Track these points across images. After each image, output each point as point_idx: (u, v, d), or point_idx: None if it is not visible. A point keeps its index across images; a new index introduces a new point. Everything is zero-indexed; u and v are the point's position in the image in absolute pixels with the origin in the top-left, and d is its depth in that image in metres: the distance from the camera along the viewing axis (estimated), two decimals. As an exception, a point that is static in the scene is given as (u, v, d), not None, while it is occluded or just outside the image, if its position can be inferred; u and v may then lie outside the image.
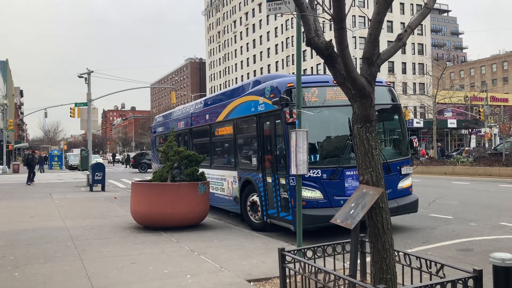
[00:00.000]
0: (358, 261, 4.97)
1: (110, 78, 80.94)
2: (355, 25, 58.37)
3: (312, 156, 8.27)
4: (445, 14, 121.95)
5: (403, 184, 9.00)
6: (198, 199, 9.22)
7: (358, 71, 4.29)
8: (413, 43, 69.21)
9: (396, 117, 9.52)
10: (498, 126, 34.89)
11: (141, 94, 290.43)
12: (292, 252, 4.55)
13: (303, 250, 4.77)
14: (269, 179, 9.01)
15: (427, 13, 4.64)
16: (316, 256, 4.67)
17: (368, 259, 4.60)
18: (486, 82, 74.00)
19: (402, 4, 69.29)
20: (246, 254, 6.86)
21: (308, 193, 8.11)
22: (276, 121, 8.78)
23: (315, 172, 8.16)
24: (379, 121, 9.05)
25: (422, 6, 4.65)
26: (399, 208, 8.71)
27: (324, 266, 4.50)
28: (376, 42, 4.27)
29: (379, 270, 4.19)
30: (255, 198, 9.53)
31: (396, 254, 4.48)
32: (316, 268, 4.08)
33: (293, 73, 10.59)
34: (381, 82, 9.31)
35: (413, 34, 69.84)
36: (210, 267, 6.11)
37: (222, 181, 11.41)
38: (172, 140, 9.84)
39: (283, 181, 8.47)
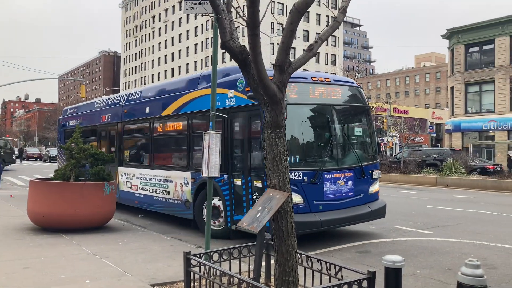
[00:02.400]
0: (263, 264, 5.07)
1: (13, 67, 74.63)
2: (273, 32, 59.80)
3: (292, 157, 7.70)
4: (357, 28, 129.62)
5: (373, 188, 8.80)
6: (103, 200, 8.79)
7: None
8: (327, 54, 72.58)
9: (365, 119, 9.25)
10: (398, 136, 37.75)
11: (48, 86, 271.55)
12: (198, 255, 4.51)
13: (209, 254, 4.74)
14: (237, 182, 8.28)
15: (337, 26, 4.86)
16: (222, 260, 4.67)
17: (273, 261, 4.69)
18: (390, 95, 79.82)
19: (318, 15, 72.39)
20: (152, 258, 6.67)
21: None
22: (251, 118, 8.10)
23: (296, 174, 7.54)
24: (350, 122, 8.90)
25: (333, 20, 4.86)
26: (372, 213, 8.50)
27: (230, 270, 4.52)
28: (288, 51, 4.38)
29: (282, 273, 4.29)
30: (216, 202, 8.66)
31: (299, 256, 4.63)
32: (221, 272, 4.07)
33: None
34: (352, 82, 9.18)
35: (327, 45, 73.50)
36: (112, 271, 5.84)
37: (167, 183, 10.20)
38: (77, 137, 9.27)
39: (258, 184, 7.80)
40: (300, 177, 7.62)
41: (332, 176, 7.92)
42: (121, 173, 12.24)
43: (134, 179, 11.56)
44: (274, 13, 65.66)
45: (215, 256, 4.68)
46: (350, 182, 8.22)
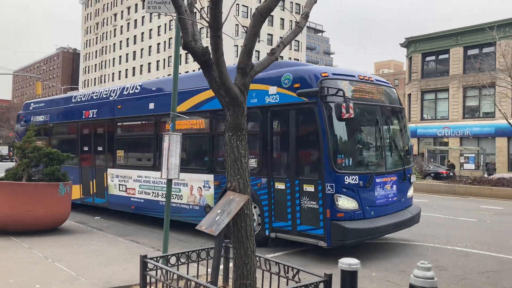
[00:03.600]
0: (222, 267, 5.05)
1: (-38, 60, 70.97)
2: (237, 34, 59.85)
3: (347, 159, 7.28)
4: (320, 34, 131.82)
5: (410, 193, 8.51)
6: (58, 201, 8.48)
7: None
8: (290, 58, 73.22)
9: (402, 120, 8.82)
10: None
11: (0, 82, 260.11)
12: (155, 259, 4.43)
13: (166, 257, 4.67)
14: (279, 186, 7.67)
15: (299, 32, 4.91)
16: (179, 263, 4.60)
17: (232, 264, 4.67)
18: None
19: (282, 19, 73.07)
20: (108, 261, 6.50)
21: (346, 203, 7.01)
22: (301, 116, 7.56)
23: (353, 178, 7.07)
24: (392, 124, 8.41)
25: (296, 25, 4.90)
26: (413, 218, 8.22)
27: (188, 273, 4.46)
28: (251, 54, 4.39)
29: (240, 276, 4.28)
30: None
31: (258, 259, 4.64)
32: (178, 275, 4.01)
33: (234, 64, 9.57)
34: (387, 82, 8.80)
35: (291, 49, 74.19)
36: (64, 276, 5.64)
37: (179, 186, 9.36)
38: (31, 135, 8.91)
39: (309, 188, 7.24)
40: (356, 181, 7.16)
41: (381, 180, 7.61)
42: (111, 175, 11.14)
43: (131, 182, 10.49)
44: (238, 15, 65.79)
45: (173, 260, 4.61)
46: (394, 186, 7.92)
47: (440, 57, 36.01)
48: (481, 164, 28.82)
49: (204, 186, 8.90)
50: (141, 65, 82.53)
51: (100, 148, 11.70)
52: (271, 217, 7.76)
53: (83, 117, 12.16)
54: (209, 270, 4.88)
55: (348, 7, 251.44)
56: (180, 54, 60.93)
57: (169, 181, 6.28)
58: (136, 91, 10.93)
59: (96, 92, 12.32)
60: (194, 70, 68.88)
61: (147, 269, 4.31)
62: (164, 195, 9.32)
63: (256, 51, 66.59)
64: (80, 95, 12.91)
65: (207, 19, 3.95)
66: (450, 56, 34.90)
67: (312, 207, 7.19)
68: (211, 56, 4.29)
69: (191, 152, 9.93)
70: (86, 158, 12.12)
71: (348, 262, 3.95)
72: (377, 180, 7.48)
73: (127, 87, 11.29)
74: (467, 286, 6.02)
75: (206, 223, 4.28)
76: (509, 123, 20.27)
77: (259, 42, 65.08)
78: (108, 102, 11.53)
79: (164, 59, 77.11)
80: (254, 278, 4.33)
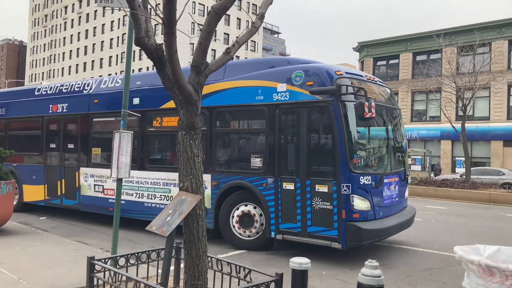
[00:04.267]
0: (173, 268, 4.97)
1: None
2: (193, 32, 59.31)
3: (362, 160, 7.30)
4: (276, 35, 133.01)
5: (406, 193, 8.63)
6: (-1, 201, 8.05)
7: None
8: (246, 58, 73.52)
9: (400, 120, 8.82)
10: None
11: None
12: (103, 260, 4.29)
13: (115, 258, 4.54)
14: (288, 186, 7.44)
15: (254, 32, 4.92)
16: (129, 264, 4.49)
17: (183, 265, 4.61)
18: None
19: (239, 19, 73.15)
20: (53, 263, 6.23)
21: (360, 204, 6.93)
22: (314, 115, 7.42)
23: (366, 178, 7.02)
24: (394, 124, 8.32)
25: (251, 25, 4.90)
26: (412, 219, 8.29)
27: (137, 275, 4.35)
28: (205, 52, 4.34)
29: (191, 277, 4.23)
30: (249, 209, 7.88)
31: (209, 260, 4.60)
32: (126, 277, 3.90)
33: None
34: (385, 84, 8.84)
35: (247, 50, 74.30)
36: (5, 279, 5.36)
37: (169, 187, 8.87)
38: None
39: (323, 189, 7.09)
40: (369, 181, 7.09)
41: (388, 180, 7.60)
42: (84, 175, 10.34)
43: (110, 182, 9.75)
44: (194, 14, 65.16)
45: (122, 261, 4.49)
46: (396, 187, 7.98)
47: (391, 62, 37.28)
48: (427, 165, 30.09)
49: None
50: (93, 61, 79.97)
51: (71, 146, 10.83)
52: (277, 219, 7.53)
53: (50, 111, 11.17)
54: (159, 271, 4.79)
55: (301, 11, 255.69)
56: (134, 51, 59.50)
57: (119, 181, 6.11)
58: (117, 84, 10.20)
59: (66, 85, 11.37)
60: (148, 68, 67.61)
61: (95, 271, 4.17)
62: (152, 196, 9.17)
63: (212, 49, 66.30)
64: (45, 87, 11.87)
65: (161, 16, 3.88)
66: (400, 61, 36.21)
67: (325, 208, 7.05)
68: (164, 53, 4.21)
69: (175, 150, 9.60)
70: (53, 156, 11.18)
71: (298, 262, 4.00)
72: (385, 181, 7.51)
73: (105, 80, 10.56)
74: (412, 283, 6.26)
75: (156, 223, 4.19)
76: (453, 127, 21.28)
77: (215, 41, 64.78)
78: (82, 96, 10.62)
79: (117, 55, 75.11)
80: (205, 278, 4.29)
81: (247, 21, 73.12)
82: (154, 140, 9.68)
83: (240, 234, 7.97)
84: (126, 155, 6.03)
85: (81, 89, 10.83)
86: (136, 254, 4.58)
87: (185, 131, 4.37)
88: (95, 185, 10.17)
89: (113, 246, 5.91)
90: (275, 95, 7.64)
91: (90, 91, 10.57)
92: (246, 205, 7.96)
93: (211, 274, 4.52)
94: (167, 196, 8.90)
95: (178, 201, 4.22)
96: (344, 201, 6.84)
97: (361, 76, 7.92)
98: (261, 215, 7.85)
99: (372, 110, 6.59)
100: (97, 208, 10.18)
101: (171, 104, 8.82)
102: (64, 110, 10.95)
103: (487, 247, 2.93)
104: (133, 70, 68.86)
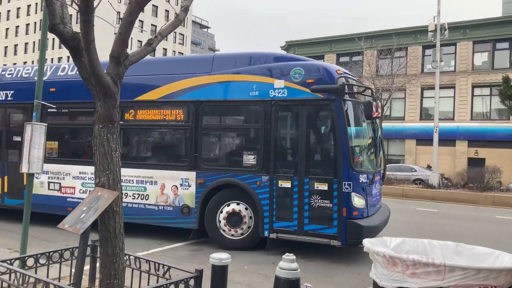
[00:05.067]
0: (88, 267, 4.76)
1: None
2: (118, 22, 57.05)
3: (360, 158, 7.41)
4: (205, 30, 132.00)
5: (381, 191, 8.74)
6: None
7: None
8: (174, 51, 72.23)
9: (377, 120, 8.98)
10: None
11: None
12: (8, 261, 3.99)
13: (23, 259, 4.25)
14: (284, 184, 7.35)
15: (178, 24, 4.83)
16: (38, 265, 4.22)
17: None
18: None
19: (167, 11, 71.52)
20: (-48, 265, 5.68)
21: (359, 201, 7.01)
22: (313, 113, 7.42)
23: (364, 176, 7.14)
24: (376, 124, 8.36)
25: (174, 17, 4.81)
26: (389, 216, 8.32)
27: (48, 275, 4.11)
28: (126, 42, 4.18)
29: (107, 276, 4.06)
30: (238, 207, 7.66)
31: (127, 258, 4.46)
32: (35, 279, 3.67)
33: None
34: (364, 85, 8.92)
35: (175, 43, 72.85)
36: None
37: (145, 184, 8.36)
38: None
39: (322, 187, 7.08)
40: (365, 179, 7.20)
41: (376, 178, 7.71)
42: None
43: (69, 180, 9.04)
44: (120, 3, 62.78)
45: (31, 261, 4.21)
46: (378, 185, 8.12)
47: (316, 62, 38.49)
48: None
49: (181, 185, 8.06)
50: (6, 46, 74.21)
51: (17, 139, 9.54)
52: (271, 217, 7.40)
53: None
54: (73, 271, 4.56)
55: (232, 8, 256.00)
56: (53, 38, 55.97)
57: (30, 176, 5.72)
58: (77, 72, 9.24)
59: (11, 70, 10.17)
60: (68, 57, 63.98)
61: (-1, 273, 3.87)
62: (122, 195, 8.21)
63: (138, 41, 64.28)
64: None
65: (77, 2, 3.67)
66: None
67: (324, 206, 7.07)
68: (81, 42, 4.00)
69: (164, 146, 8.96)
70: None
71: (219, 257, 4.01)
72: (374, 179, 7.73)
73: (64, 67, 9.61)
74: (329, 275, 6.52)
75: (70, 221, 3.99)
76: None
77: (142, 32, 62.82)
78: (33, 84, 9.62)
79: (34, 42, 70.30)
80: (122, 277, 4.15)
81: (176, 13, 71.74)
82: (126, 134, 9.04)
83: (227, 233, 7.74)
84: (39, 149, 5.67)
85: (30, 75, 9.73)
86: (47, 254, 4.32)
87: (102, 124, 4.19)
88: (49, 182, 9.29)
89: (22, 246, 5.53)
90: (271, 92, 7.48)
91: (45, 78, 9.39)
92: (234, 204, 7.73)
93: (128, 273, 4.38)
94: (142, 194, 8.40)
95: (94, 198, 4.04)
96: (345, 199, 6.91)
97: (353, 76, 8.10)
98: (250, 214, 7.68)
99: (379, 110, 6.85)
100: (51, 208, 9.21)
101: (146, 96, 8.54)
102: (8, 99, 9.82)
103: (393, 239, 3.12)
104: (51, 60, 64.86)
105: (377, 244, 2.95)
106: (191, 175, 7.98)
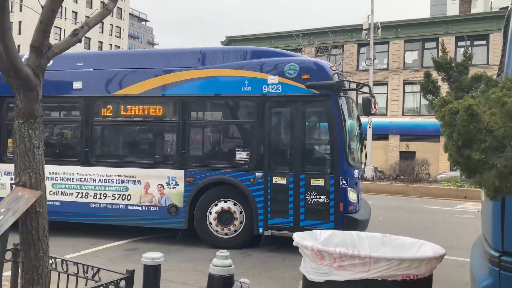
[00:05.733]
0: (9, 273, 4.44)
1: None
2: (50, 12, 54.06)
3: (354, 153, 7.49)
4: (144, 23, 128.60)
5: None
6: None
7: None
8: (111, 44, 69.81)
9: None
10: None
11: None
12: None
13: None
14: (280, 181, 7.28)
15: (106, 14, 4.60)
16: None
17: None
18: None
19: (102, 2, 68.81)
20: None
21: (353, 196, 7.12)
22: (309, 109, 7.45)
23: (357, 172, 7.36)
24: (360, 121, 8.51)
25: (102, 6, 4.59)
26: (370, 210, 8.38)
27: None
28: (48, 32, 3.92)
29: (30, 281, 3.80)
30: (229, 205, 7.48)
31: (53, 261, 4.21)
32: None
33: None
34: None
35: (111, 35, 70.40)
36: None
37: (127, 184, 7.98)
38: None
39: (318, 183, 7.10)
40: (357, 175, 7.37)
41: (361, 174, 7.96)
42: None
43: None
44: (52, -9, 59.39)
45: None
46: (360, 181, 8.27)
47: (256, 57, 38.69)
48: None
49: (168, 183, 7.74)
50: None
51: None
52: (266, 214, 7.33)
53: None
54: (-8, 277, 4.23)
55: (172, 1, 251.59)
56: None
57: None
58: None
59: None
60: None
61: None
62: (101, 195, 7.99)
63: (56, 27, 61.19)
64: None
65: (-10, -14, 3.38)
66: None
67: (320, 201, 7.12)
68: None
69: (148, 144, 8.60)
70: None
71: (151, 257, 3.88)
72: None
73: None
74: (268, 269, 6.57)
75: (-15, 224, 3.68)
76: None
77: (75, 24, 59.92)
78: None
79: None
80: (47, 282, 3.90)
81: (101, 1, 69.24)
82: (104, 131, 8.64)
83: (218, 232, 7.58)
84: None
85: None
86: (-39, 261, 3.96)
87: (23, 120, 3.91)
88: (11, 184, 8.30)
89: None
90: (265, 87, 7.40)
91: None
92: (225, 202, 7.59)
93: (55, 276, 4.14)
94: (124, 194, 7.99)
95: (13, 198, 3.76)
96: (342, 194, 7.00)
97: (340, 72, 8.36)
98: (241, 212, 7.56)
99: (377, 106, 7.07)
100: None
101: (128, 91, 8.14)
102: None
103: (323, 232, 3.18)
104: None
105: (306, 238, 2.98)
106: (179, 173, 7.73)
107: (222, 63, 7.89)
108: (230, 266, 3.58)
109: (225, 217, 7.57)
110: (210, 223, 7.59)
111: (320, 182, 7.20)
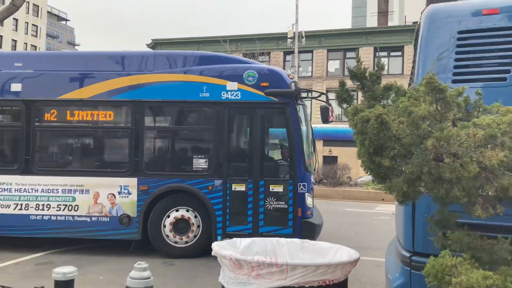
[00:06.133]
0: None
1: None
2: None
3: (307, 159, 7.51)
4: (64, 22, 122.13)
5: None
6: None
7: None
8: (26, 43, 65.59)
9: None
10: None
11: None
12: None
13: None
14: (238, 187, 7.23)
15: (14, 11, 4.35)
16: None
17: None
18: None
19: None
20: None
21: (310, 201, 7.27)
22: (268, 116, 7.54)
23: (312, 177, 7.49)
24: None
25: (10, 2, 4.27)
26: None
27: None
28: None
29: None
30: (186, 213, 7.30)
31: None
32: None
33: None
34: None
35: (27, 34, 66.29)
36: None
37: (74, 194, 7.40)
38: None
39: (278, 189, 7.18)
40: (313, 180, 7.49)
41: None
42: None
43: None
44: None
45: None
46: None
47: (183, 62, 38.24)
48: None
49: (120, 192, 7.36)
50: None
51: None
52: (225, 222, 7.24)
53: None
54: None
55: (95, 2, 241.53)
56: None
57: None
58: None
59: None
60: None
61: None
62: (44, 207, 7.38)
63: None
64: None
65: None
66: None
67: (279, 207, 7.18)
68: None
69: (97, 151, 8.05)
70: None
71: (62, 272, 3.65)
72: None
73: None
74: (191, 277, 6.45)
75: None
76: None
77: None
78: None
79: None
80: None
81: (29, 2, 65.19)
82: (48, 137, 8.03)
83: (174, 241, 7.37)
84: None
85: None
86: None
87: None
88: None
89: None
90: (224, 94, 7.31)
91: None
92: (183, 210, 7.38)
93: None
94: (70, 205, 7.44)
95: None
96: (300, 200, 7.12)
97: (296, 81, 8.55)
98: (196, 217, 7.39)
99: (333, 114, 7.27)
100: None
101: (75, 94, 7.57)
102: None
103: (243, 240, 3.15)
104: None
105: (225, 247, 2.94)
106: (132, 181, 7.40)
107: (175, 68, 7.74)
108: (149, 278, 3.44)
109: (181, 226, 7.41)
110: (168, 236, 7.39)
111: (279, 188, 7.30)
